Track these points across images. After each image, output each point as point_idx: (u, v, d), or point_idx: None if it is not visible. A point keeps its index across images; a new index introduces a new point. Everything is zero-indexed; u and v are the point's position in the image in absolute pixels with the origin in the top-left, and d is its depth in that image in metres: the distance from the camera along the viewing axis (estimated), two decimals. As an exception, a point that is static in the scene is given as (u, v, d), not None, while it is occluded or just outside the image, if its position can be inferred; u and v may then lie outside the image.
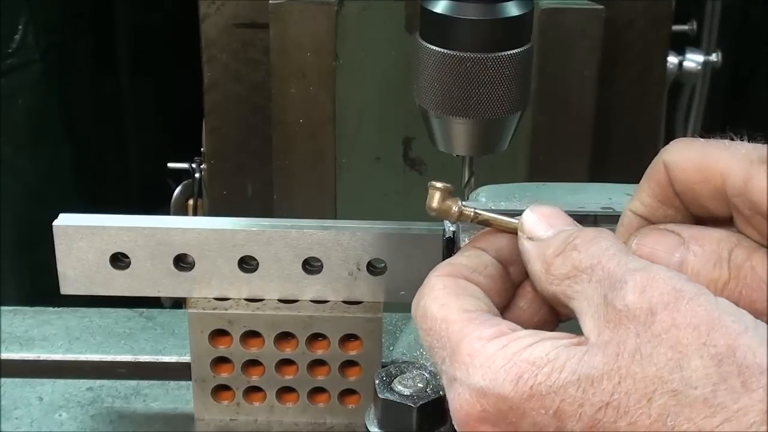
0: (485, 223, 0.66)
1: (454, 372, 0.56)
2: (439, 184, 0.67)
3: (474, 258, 0.64)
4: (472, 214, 0.66)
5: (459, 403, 0.56)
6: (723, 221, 0.60)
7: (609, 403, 0.51)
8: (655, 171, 0.62)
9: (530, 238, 0.61)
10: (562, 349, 0.54)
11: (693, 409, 0.49)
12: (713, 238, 0.59)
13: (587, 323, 0.55)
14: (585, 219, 0.71)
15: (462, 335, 0.57)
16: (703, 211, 0.61)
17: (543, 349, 0.54)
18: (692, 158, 0.60)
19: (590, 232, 0.59)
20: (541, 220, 0.62)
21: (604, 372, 0.51)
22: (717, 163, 0.59)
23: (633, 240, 0.61)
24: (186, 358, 0.88)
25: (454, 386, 0.56)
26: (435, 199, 0.67)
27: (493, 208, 0.70)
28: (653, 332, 0.51)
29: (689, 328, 0.51)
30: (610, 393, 0.51)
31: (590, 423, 0.51)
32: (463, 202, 0.67)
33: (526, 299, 0.64)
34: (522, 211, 0.65)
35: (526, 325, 0.60)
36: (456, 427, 0.58)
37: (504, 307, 0.64)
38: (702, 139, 0.61)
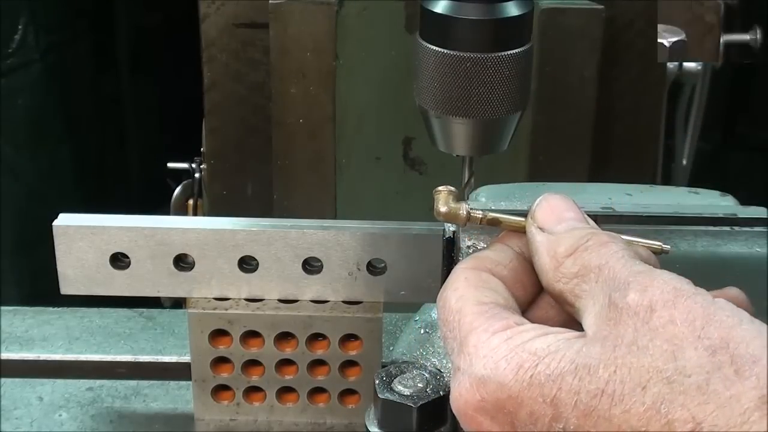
0: (494, 222, 0.66)
1: (459, 362, 0.58)
2: (442, 188, 0.67)
3: (500, 252, 0.65)
4: (480, 215, 0.67)
5: (459, 392, 0.57)
6: None
7: (604, 390, 0.52)
8: None
9: (541, 229, 0.61)
10: (563, 342, 0.55)
11: (687, 396, 0.50)
12: None
13: (589, 320, 0.56)
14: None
15: (471, 327, 0.58)
16: None
17: (545, 342, 0.55)
18: None
19: (604, 236, 0.60)
20: (553, 212, 0.62)
21: (600, 361, 0.52)
22: None
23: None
24: (186, 358, 0.88)
25: (457, 376, 0.58)
26: (441, 203, 0.67)
27: (493, 208, 0.70)
28: (650, 327, 0.52)
29: (685, 323, 0.52)
30: (606, 381, 0.52)
31: (585, 410, 0.52)
32: (470, 205, 0.67)
33: None
34: (523, 211, 0.65)
35: (554, 321, 0.61)
36: (457, 417, 0.58)
37: (530, 302, 0.64)
38: None
